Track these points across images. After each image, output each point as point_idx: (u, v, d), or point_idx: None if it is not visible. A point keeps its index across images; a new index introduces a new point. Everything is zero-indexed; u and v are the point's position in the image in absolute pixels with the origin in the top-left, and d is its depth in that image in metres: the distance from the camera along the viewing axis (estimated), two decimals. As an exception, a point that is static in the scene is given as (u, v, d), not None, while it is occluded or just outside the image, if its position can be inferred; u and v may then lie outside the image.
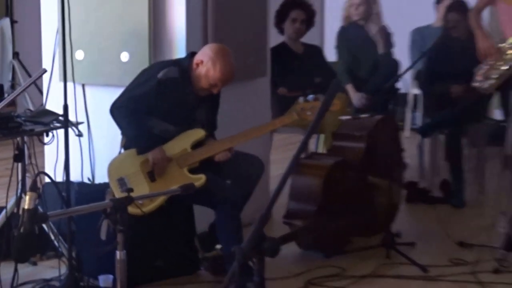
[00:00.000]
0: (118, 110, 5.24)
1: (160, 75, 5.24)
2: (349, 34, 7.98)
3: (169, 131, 5.26)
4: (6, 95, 5.32)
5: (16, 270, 4.81)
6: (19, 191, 5.09)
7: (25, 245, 3.64)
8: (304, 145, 2.83)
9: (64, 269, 5.05)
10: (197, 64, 5.25)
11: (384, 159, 6.34)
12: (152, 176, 5.15)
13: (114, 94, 5.33)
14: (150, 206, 4.91)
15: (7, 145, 5.40)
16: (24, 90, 5.46)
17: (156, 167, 5.13)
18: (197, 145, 5.27)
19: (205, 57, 5.24)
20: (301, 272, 5.54)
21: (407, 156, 7.03)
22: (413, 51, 8.42)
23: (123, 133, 5.40)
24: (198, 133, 5.27)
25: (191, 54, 5.42)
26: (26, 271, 5.32)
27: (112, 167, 5.21)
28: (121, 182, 5.06)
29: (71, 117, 5.23)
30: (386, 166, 6.31)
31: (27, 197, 3.39)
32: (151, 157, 5.12)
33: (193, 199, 5.25)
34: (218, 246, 5.39)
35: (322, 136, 6.91)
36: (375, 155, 6.33)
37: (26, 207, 3.35)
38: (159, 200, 4.93)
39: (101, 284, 5.03)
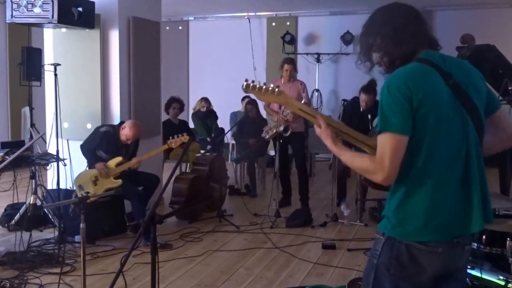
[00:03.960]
0: (83, 149, 5.17)
1: (101, 129, 5.22)
2: (199, 115, 7.97)
3: (106, 157, 5.13)
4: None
5: (30, 234, 4.55)
6: (32, 194, 4.83)
7: (30, 222, 3.49)
8: (176, 168, 2.77)
9: (56, 233, 4.80)
10: (122, 128, 5.19)
11: (217, 174, 6.34)
12: (95, 182, 5.00)
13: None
14: (94, 198, 4.74)
15: (26, 171, 5.09)
16: (34, 142, 5.23)
17: (100, 171, 5.00)
18: (119, 164, 5.12)
19: (126, 126, 5.20)
20: (177, 231, 5.42)
21: (229, 173, 7.01)
22: (231, 122, 8.47)
23: (88, 160, 5.22)
24: (118, 159, 5.13)
25: (121, 123, 5.34)
26: (37, 234, 5.04)
27: (76, 179, 5.05)
28: (80, 187, 4.94)
29: (60, 156, 5.05)
30: (219, 177, 6.30)
31: (32, 197, 3.25)
32: (97, 166, 5.02)
33: (123, 196, 5.18)
34: (135, 220, 5.25)
35: (188, 163, 6.83)
36: (213, 172, 6.31)
37: (31, 202, 3.20)
38: (98, 195, 4.76)
39: (76, 240, 4.83)
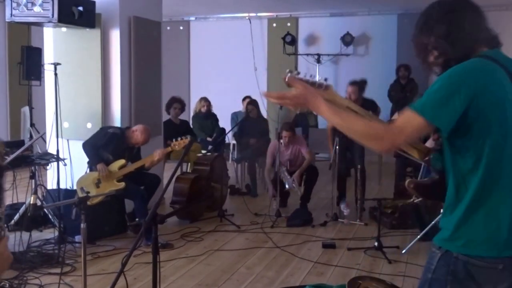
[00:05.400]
0: (86, 147, 5.07)
1: (109, 130, 5.16)
2: (200, 117, 7.91)
3: (110, 159, 5.07)
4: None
5: (30, 234, 4.51)
6: (32, 194, 4.77)
7: (30, 223, 3.45)
8: (177, 168, 2.73)
9: (56, 233, 4.74)
10: (133, 131, 5.17)
11: (218, 174, 6.29)
12: (97, 184, 4.94)
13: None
14: (96, 200, 4.71)
15: (26, 171, 5.06)
16: (35, 142, 5.17)
17: (101, 172, 4.93)
18: (122, 167, 5.07)
19: (138, 130, 5.18)
20: (178, 230, 5.39)
21: (229, 172, 6.99)
22: (232, 122, 8.42)
23: (89, 159, 5.14)
24: (121, 162, 5.08)
25: (127, 127, 5.35)
26: (37, 235, 5.00)
27: (78, 181, 4.99)
28: (82, 189, 4.87)
29: (61, 156, 5.02)
30: (219, 177, 6.25)
31: (32, 197, 3.21)
32: (98, 167, 4.96)
33: (124, 196, 5.12)
34: (137, 219, 5.18)
35: (189, 163, 6.78)
36: (214, 172, 6.27)
37: (31, 202, 3.16)
38: (100, 197, 4.75)
39: (76, 240, 4.77)
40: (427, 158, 1.85)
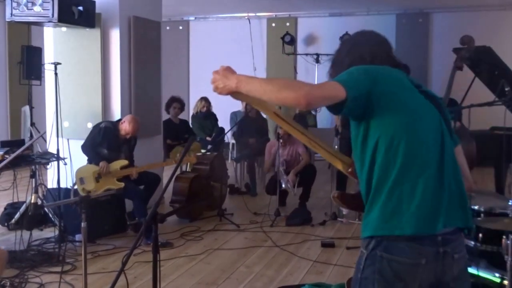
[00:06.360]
0: (85, 149, 5.13)
1: (101, 125, 5.20)
2: (199, 117, 7.90)
3: (107, 154, 5.11)
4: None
5: (30, 233, 4.51)
6: (33, 193, 4.78)
7: (31, 221, 3.45)
8: (177, 167, 2.73)
9: (57, 232, 4.74)
10: (121, 123, 5.19)
11: (218, 173, 6.30)
12: (97, 179, 4.96)
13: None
14: (96, 194, 4.65)
15: (26, 170, 5.06)
16: (35, 141, 5.19)
17: (102, 170, 4.97)
18: (123, 167, 5.10)
19: (126, 120, 5.20)
20: (178, 229, 5.38)
21: (229, 172, 6.98)
22: (231, 122, 8.41)
23: (88, 158, 5.18)
24: (124, 162, 5.11)
25: (119, 119, 5.35)
26: (37, 234, 4.98)
27: (77, 171, 5.03)
28: (81, 180, 4.92)
29: (61, 155, 5.02)
30: (219, 176, 6.26)
31: (33, 196, 3.20)
32: (100, 164, 5.00)
33: (123, 195, 5.12)
34: (136, 219, 5.19)
35: (189, 163, 6.78)
36: (213, 171, 6.28)
37: (32, 201, 3.15)
38: (101, 190, 4.78)
39: (77, 239, 4.76)
40: (350, 170, 1.91)
